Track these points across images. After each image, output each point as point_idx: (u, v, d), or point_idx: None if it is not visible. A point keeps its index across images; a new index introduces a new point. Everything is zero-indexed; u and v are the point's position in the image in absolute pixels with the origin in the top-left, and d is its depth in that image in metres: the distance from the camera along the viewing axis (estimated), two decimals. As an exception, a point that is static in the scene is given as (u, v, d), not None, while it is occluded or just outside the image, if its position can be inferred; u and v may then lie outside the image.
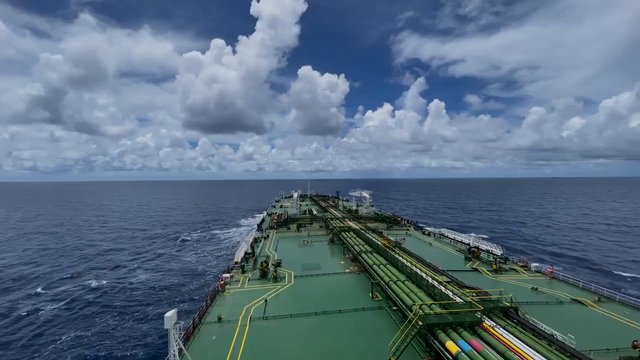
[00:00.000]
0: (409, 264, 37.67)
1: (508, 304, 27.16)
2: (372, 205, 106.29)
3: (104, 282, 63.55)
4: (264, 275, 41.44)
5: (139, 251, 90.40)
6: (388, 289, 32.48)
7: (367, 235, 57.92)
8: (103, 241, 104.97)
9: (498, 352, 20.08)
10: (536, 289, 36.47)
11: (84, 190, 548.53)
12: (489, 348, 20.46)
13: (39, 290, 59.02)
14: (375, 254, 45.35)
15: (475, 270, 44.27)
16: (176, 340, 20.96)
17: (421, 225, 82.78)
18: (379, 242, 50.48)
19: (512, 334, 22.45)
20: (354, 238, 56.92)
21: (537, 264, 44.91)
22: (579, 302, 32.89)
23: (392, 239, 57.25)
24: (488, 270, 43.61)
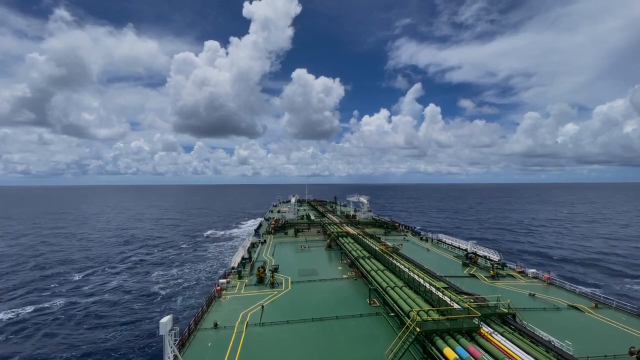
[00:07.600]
0: (406, 270, 37.59)
1: (505, 310, 27.19)
2: (370, 211, 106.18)
3: (97, 288, 62.82)
4: (260, 280, 41.19)
5: (127, 257, 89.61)
6: (385, 294, 32.36)
7: (365, 240, 57.77)
8: (95, 243, 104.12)
9: (496, 359, 20.04)
10: (533, 295, 36.51)
11: (55, 196, 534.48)
12: (486, 355, 20.42)
13: (21, 297, 58.16)
14: (372, 260, 45.23)
15: (473, 276, 44.27)
16: (171, 347, 20.74)
17: (419, 230, 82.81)
18: (377, 248, 50.36)
19: (510, 340, 22.45)
20: (352, 243, 56.76)
21: (534, 270, 44.97)
22: (576, 308, 32.95)
23: (389, 244, 57.18)
24: (485, 276, 43.63)
